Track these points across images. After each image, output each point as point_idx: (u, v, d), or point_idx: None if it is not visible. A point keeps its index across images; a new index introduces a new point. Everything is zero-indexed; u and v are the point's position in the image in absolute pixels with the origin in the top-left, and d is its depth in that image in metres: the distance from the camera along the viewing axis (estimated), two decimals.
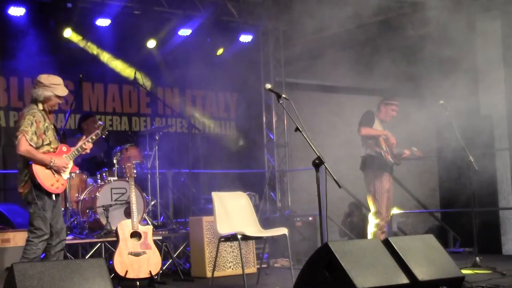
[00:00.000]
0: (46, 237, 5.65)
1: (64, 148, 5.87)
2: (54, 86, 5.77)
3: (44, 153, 5.69)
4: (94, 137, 6.06)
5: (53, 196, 5.69)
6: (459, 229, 9.42)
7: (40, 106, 5.76)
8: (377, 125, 7.54)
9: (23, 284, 4.00)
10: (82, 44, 9.01)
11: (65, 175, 5.81)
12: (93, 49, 9.10)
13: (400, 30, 9.16)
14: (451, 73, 7.83)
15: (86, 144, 6.00)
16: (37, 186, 5.62)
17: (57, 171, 5.71)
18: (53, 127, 5.87)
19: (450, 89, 8.19)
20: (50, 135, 5.79)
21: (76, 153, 5.93)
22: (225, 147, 10.22)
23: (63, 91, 5.82)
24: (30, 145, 5.60)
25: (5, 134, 8.56)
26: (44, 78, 5.77)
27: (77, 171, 6.79)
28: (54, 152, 5.77)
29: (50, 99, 5.76)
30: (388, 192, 7.46)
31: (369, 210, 7.69)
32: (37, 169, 5.62)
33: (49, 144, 5.75)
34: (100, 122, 6.36)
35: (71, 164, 5.87)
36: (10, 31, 8.53)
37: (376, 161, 7.37)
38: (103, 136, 6.24)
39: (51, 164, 5.66)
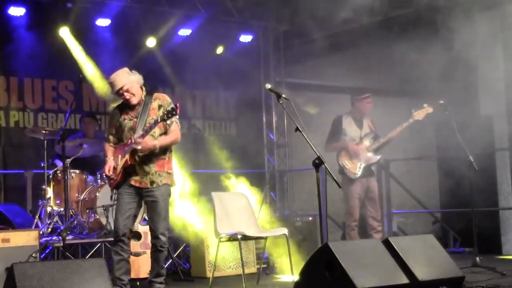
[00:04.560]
0: (115, 236, 5.42)
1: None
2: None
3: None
4: (165, 118, 5.29)
5: (114, 191, 5.79)
6: (459, 229, 9.41)
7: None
8: (351, 125, 7.61)
9: (23, 284, 4.00)
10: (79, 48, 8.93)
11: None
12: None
13: (399, 30, 9.16)
14: (451, 73, 7.82)
15: (159, 123, 5.34)
16: None
17: (114, 167, 5.61)
18: (136, 120, 5.50)
19: (450, 89, 8.18)
20: (125, 129, 5.56)
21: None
22: (225, 147, 10.21)
23: (113, 88, 5.47)
24: (109, 144, 5.67)
25: (5, 134, 8.55)
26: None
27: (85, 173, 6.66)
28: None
29: (116, 97, 5.64)
30: (361, 194, 7.50)
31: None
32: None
33: (123, 139, 5.62)
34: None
35: (124, 157, 5.47)
36: (10, 31, 8.53)
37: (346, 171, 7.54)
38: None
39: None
